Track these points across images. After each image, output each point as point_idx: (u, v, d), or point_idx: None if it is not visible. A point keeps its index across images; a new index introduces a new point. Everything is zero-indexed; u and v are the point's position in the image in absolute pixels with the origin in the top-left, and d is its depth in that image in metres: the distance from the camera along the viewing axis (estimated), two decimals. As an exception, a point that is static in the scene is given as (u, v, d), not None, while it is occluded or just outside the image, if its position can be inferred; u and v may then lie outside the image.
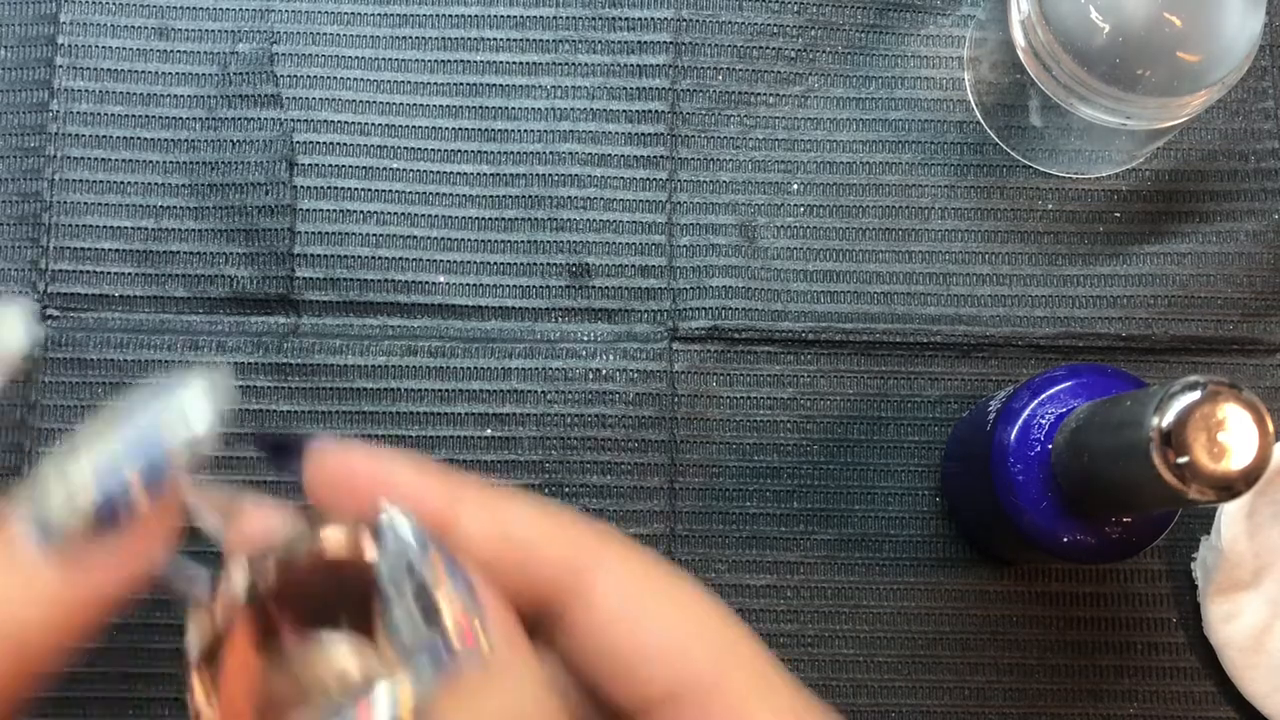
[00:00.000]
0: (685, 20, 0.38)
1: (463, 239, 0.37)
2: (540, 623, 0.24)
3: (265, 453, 0.25)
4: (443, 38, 0.38)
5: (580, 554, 0.23)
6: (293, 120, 0.38)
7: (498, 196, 0.38)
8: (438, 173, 0.38)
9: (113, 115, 0.38)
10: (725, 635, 0.23)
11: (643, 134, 0.38)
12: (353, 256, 0.37)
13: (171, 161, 0.38)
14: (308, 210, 0.37)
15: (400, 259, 0.37)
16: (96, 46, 0.38)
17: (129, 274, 0.37)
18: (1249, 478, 0.26)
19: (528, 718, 0.21)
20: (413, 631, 0.20)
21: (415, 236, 0.37)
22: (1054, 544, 0.31)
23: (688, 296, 0.37)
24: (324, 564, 0.21)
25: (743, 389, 0.37)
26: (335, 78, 0.38)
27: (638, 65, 0.38)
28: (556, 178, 0.38)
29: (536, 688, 0.21)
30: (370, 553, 0.20)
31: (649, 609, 0.23)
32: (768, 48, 0.38)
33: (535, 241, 0.38)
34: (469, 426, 0.37)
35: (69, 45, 0.38)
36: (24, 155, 0.38)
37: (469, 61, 0.38)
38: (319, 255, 0.37)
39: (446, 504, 0.23)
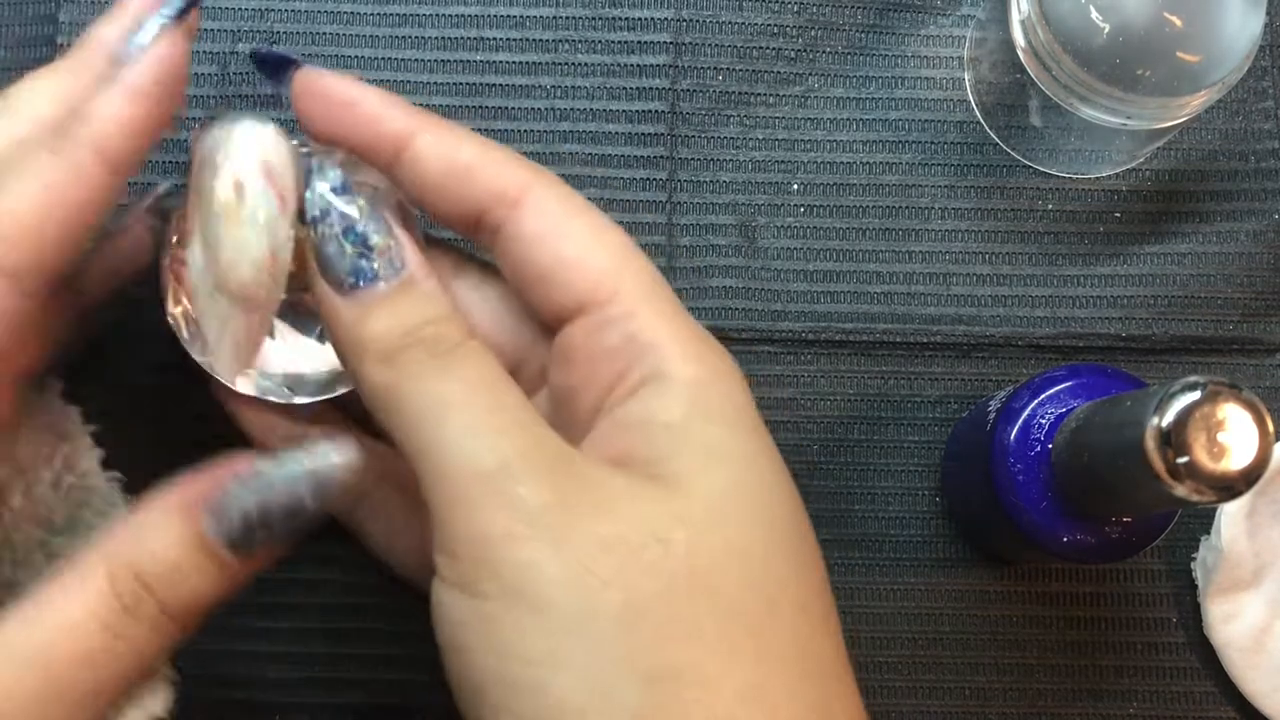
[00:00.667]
0: (685, 20, 0.38)
1: (462, 239, 0.37)
2: (481, 239, 0.28)
3: (261, 66, 0.29)
4: (442, 37, 0.38)
5: (515, 179, 0.27)
6: (292, 121, 0.38)
7: (498, 196, 0.38)
8: (437, 173, 0.38)
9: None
10: (623, 253, 0.27)
11: (643, 134, 0.38)
12: (352, 256, 0.37)
13: (170, 161, 0.38)
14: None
15: (400, 259, 0.37)
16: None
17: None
18: (1249, 478, 0.26)
19: (433, 311, 0.25)
20: (339, 256, 0.24)
21: (415, 236, 0.37)
22: (1054, 544, 0.31)
23: (688, 296, 0.37)
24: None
25: (743, 389, 0.37)
26: (335, 78, 0.38)
27: (638, 65, 0.38)
28: (556, 178, 0.38)
29: (441, 295, 0.25)
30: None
31: (564, 229, 0.27)
32: (768, 48, 0.38)
33: (535, 241, 0.37)
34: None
35: (68, 46, 0.38)
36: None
37: (468, 61, 0.38)
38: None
39: (406, 127, 0.27)
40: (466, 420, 0.24)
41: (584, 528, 0.23)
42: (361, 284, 0.24)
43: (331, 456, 0.24)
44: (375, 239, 0.24)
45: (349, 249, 0.24)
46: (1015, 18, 0.34)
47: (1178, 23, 0.33)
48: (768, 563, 0.24)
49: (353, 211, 0.24)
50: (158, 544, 0.23)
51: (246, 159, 0.23)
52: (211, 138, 0.23)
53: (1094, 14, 0.33)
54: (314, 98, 0.28)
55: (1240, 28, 0.33)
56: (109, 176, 0.24)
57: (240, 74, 0.38)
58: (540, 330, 0.28)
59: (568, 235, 0.27)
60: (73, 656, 0.22)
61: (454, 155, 0.27)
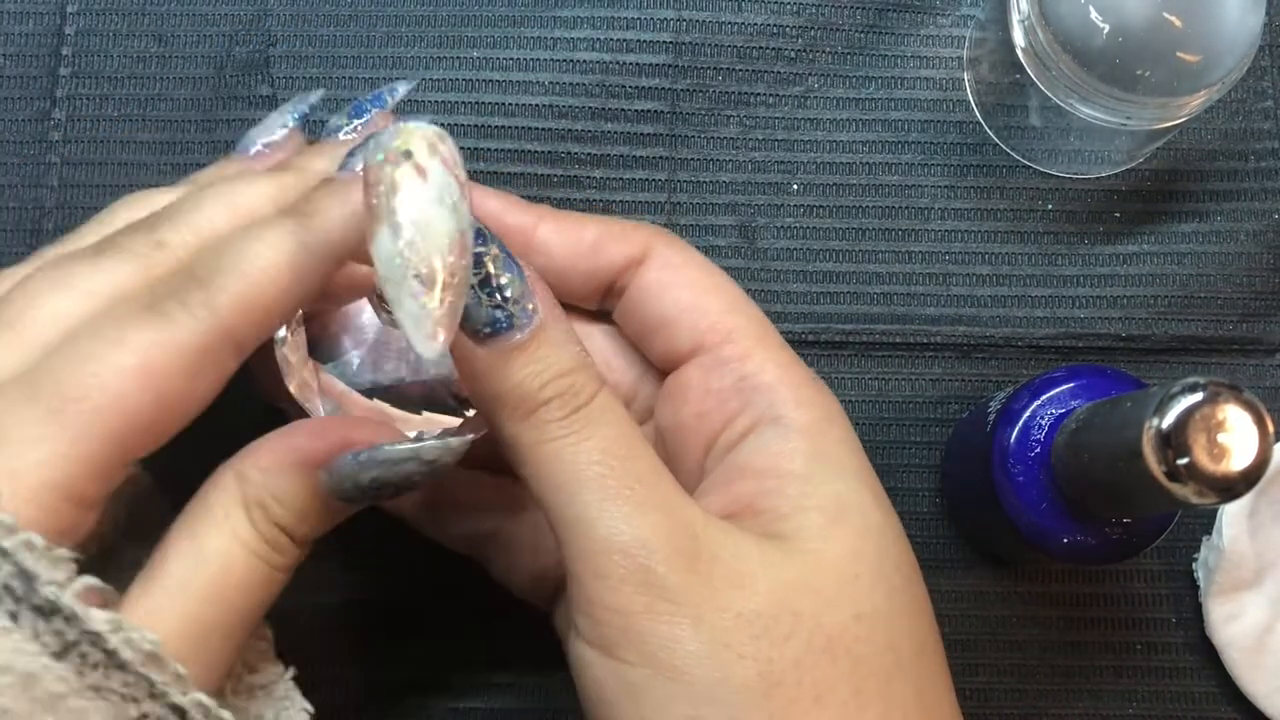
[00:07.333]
0: (685, 20, 0.38)
1: (462, 240, 0.37)
2: (607, 304, 0.30)
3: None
4: (439, 35, 0.38)
5: (639, 241, 0.29)
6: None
7: (496, 197, 0.38)
8: (436, 174, 0.38)
9: (111, 119, 0.38)
10: (735, 299, 0.29)
11: (643, 134, 0.38)
12: (351, 258, 0.37)
13: (166, 163, 0.37)
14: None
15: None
16: (100, 55, 0.38)
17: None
18: (1249, 479, 0.26)
19: (567, 361, 0.25)
20: (475, 307, 0.24)
21: (414, 238, 0.37)
22: (1054, 545, 0.31)
23: (687, 297, 0.37)
24: None
25: (742, 390, 0.37)
26: (330, 77, 0.38)
27: (637, 65, 0.38)
28: (555, 178, 0.38)
29: (573, 340, 0.26)
30: None
31: (680, 279, 0.29)
32: (768, 48, 0.38)
33: (534, 242, 0.37)
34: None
35: (72, 55, 0.38)
36: (22, 164, 0.37)
37: (464, 58, 0.38)
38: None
39: (528, 219, 0.29)
40: (604, 493, 0.24)
41: (721, 604, 0.24)
42: (496, 332, 0.25)
43: (448, 449, 0.25)
44: (510, 290, 0.24)
45: (484, 299, 0.24)
46: (1015, 18, 0.34)
47: (1177, 23, 0.32)
48: (890, 618, 0.26)
49: (488, 262, 0.24)
50: (282, 490, 0.24)
51: (423, 147, 0.23)
52: (384, 135, 0.23)
53: (1094, 14, 0.32)
54: None
55: (1239, 27, 0.33)
56: (335, 268, 0.25)
57: (236, 76, 0.38)
58: (647, 367, 0.30)
59: (684, 284, 0.29)
60: (239, 584, 0.23)
61: (579, 236, 0.29)
